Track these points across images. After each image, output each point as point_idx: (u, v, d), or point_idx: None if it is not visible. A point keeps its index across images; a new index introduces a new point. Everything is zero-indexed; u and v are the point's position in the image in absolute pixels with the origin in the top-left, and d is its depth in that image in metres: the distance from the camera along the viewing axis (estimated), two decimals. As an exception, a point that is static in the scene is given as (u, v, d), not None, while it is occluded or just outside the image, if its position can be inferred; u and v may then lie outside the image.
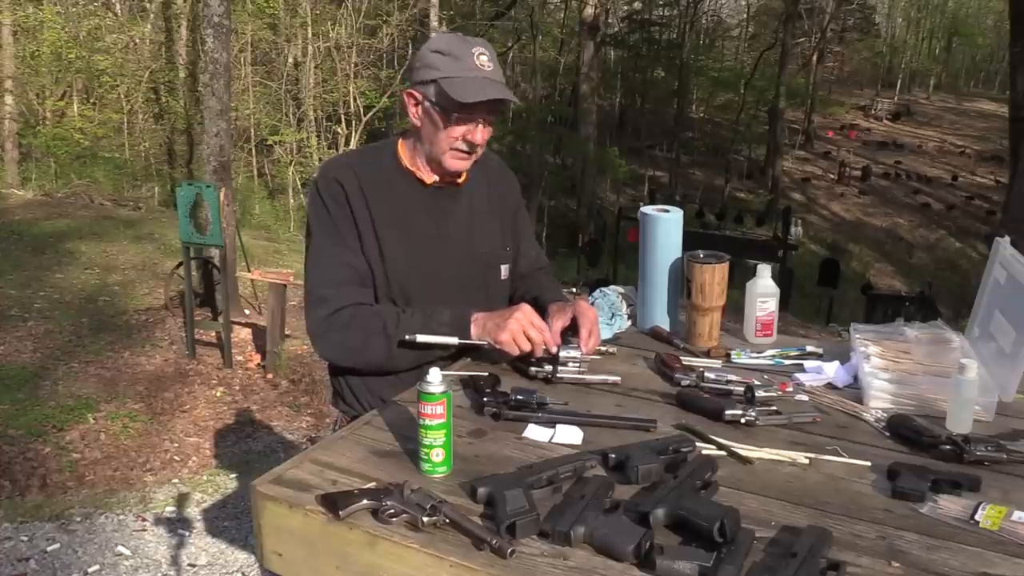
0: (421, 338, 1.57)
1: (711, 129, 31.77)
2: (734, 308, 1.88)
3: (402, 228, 1.67)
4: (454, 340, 1.59)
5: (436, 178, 1.71)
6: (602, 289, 2.06)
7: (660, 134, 29.47)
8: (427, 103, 1.60)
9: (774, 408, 1.48)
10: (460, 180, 1.74)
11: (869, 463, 1.31)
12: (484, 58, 1.57)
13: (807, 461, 1.32)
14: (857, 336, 1.79)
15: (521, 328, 1.55)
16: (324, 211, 1.65)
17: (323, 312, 1.62)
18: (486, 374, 1.61)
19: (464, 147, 1.63)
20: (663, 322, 1.96)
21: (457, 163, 1.65)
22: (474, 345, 1.60)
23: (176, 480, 4.24)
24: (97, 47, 15.12)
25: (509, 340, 1.55)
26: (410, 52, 18.35)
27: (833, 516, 1.15)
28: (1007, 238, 1.71)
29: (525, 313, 1.57)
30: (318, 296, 1.64)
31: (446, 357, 1.67)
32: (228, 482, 4.23)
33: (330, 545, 1.15)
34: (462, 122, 1.59)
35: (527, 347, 1.56)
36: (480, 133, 1.62)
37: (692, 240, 2.00)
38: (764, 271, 1.91)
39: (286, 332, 5.89)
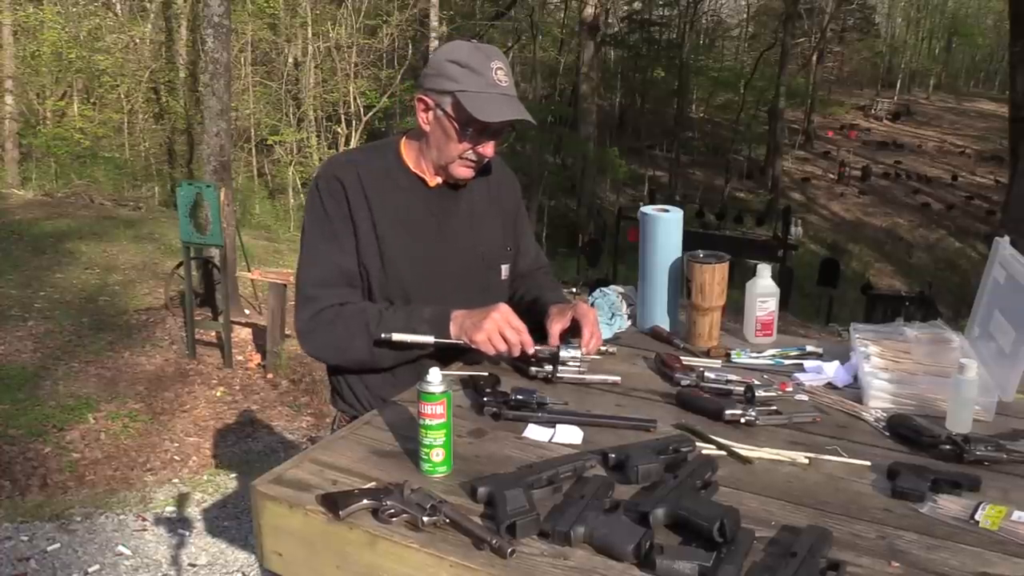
0: (397, 336, 1.56)
1: (711, 129, 31.77)
2: (734, 308, 1.88)
3: (403, 227, 1.68)
4: (430, 339, 1.57)
5: (439, 180, 1.71)
6: (602, 289, 2.06)
7: (660, 134, 29.47)
8: (440, 111, 1.60)
9: (774, 408, 1.48)
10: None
11: (869, 463, 1.31)
12: (501, 73, 1.58)
13: (807, 461, 1.32)
14: (857, 336, 1.78)
15: (497, 328, 1.53)
16: (321, 209, 1.65)
17: (309, 311, 1.63)
18: (486, 374, 1.61)
19: (473, 158, 1.64)
20: (663, 322, 1.96)
21: (464, 171, 1.67)
22: (451, 344, 1.58)
23: (176, 480, 4.24)
24: (97, 47, 15.14)
25: (484, 340, 1.53)
26: (410, 52, 18.36)
27: (833, 516, 1.15)
28: (1007, 238, 1.71)
29: (502, 313, 1.55)
30: (306, 295, 1.65)
31: (427, 355, 1.65)
32: (228, 482, 4.23)
33: (330, 545, 1.15)
34: (476, 137, 1.60)
35: (503, 347, 1.54)
36: (491, 147, 1.64)
37: (692, 240, 2.00)
38: (764, 271, 1.91)
39: (286, 332, 5.89)
